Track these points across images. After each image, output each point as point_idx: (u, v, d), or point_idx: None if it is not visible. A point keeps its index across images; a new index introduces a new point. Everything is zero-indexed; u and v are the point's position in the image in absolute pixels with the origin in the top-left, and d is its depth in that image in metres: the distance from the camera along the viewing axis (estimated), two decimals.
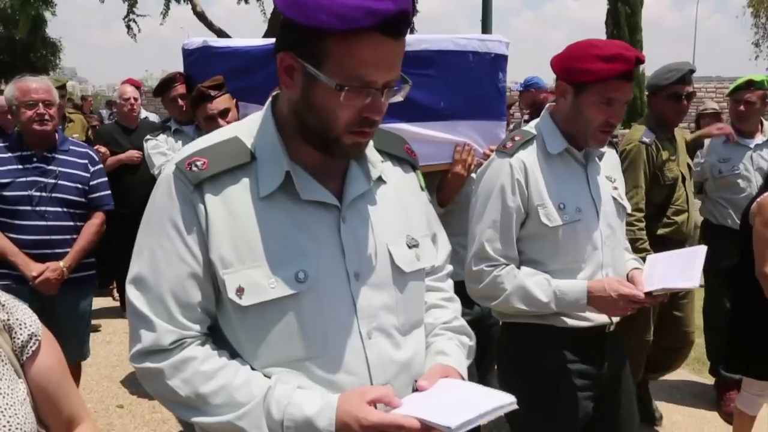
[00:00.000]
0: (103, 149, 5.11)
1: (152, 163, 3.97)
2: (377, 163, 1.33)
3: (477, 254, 2.05)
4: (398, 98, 1.20)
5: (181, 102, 4.01)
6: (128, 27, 15.66)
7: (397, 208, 1.33)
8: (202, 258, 1.19)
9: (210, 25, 11.98)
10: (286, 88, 1.20)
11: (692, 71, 3.44)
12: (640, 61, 1.91)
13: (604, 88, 1.94)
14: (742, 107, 4.07)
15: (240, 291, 1.16)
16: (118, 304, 6.14)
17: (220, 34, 11.85)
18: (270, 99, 1.32)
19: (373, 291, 1.23)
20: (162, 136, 4.06)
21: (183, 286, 1.19)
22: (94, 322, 5.10)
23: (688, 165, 3.83)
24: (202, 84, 3.15)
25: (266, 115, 1.29)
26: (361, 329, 1.21)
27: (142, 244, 1.24)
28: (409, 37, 2.55)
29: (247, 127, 1.29)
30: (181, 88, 4.01)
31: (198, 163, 1.20)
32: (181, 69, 4.09)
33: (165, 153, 3.98)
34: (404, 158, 1.39)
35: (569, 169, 2.09)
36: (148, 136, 4.10)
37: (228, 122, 3.18)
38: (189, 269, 1.19)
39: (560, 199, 2.02)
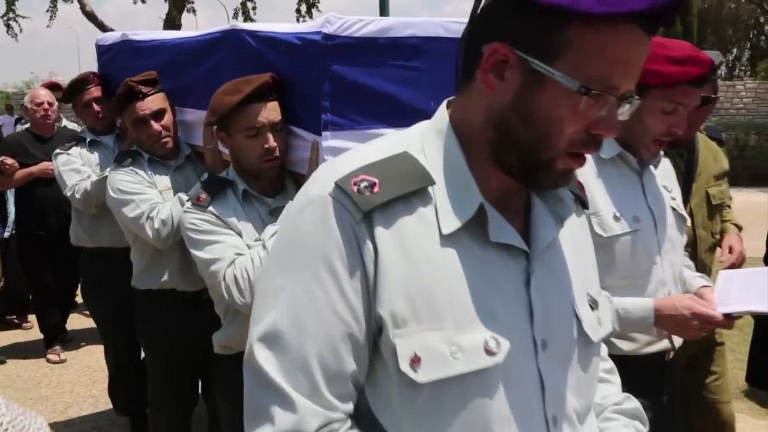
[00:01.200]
0: (9, 161, 4.38)
1: (64, 182, 3.31)
2: (567, 200, 1.04)
3: None
4: (623, 117, 0.91)
5: (96, 107, 3.37)
6: (7, 26, 14.69)
7: (576, 258, 1.06)
8: (363, 313, 0.90)
9: (101, 26, 11.23)
10: (490, 91, 0.89)
11: None
12: (714, 65, 1.72)
13: (671, 93, 1.72)
14: None
15: (415, 361, 0.87)
16: (34, 337, 5.34)
17: None
18: (444, 105, 1.00)
19: (559, 365, 0.98)
20: (75, 150, 3.41)
21: (335, 350, 0.89)
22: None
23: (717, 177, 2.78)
24: (131, 79, 2.55)
25: (443, 125, 0.97)
26: (547, 414, 0.96)
27: (279, 288, 0.91)
28: (392, 20, 2.06)
29: (416, 140, 0.97)
30: (95, 91, 3.38)
31: (366, 184, 0.89)
32: (86, 68, 3.48)
33: (79, 170, 3.34)
34: (577, 194, 1.11)
35: (623, 176, 1.85)
36: (57, 150, 3.44)
37: (164, 126, 2.59)
38: (344, 327, 0.89)
39: (615, 207, 1.79)
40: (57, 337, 4.95)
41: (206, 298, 2.70)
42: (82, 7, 11.15)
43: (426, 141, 0.95)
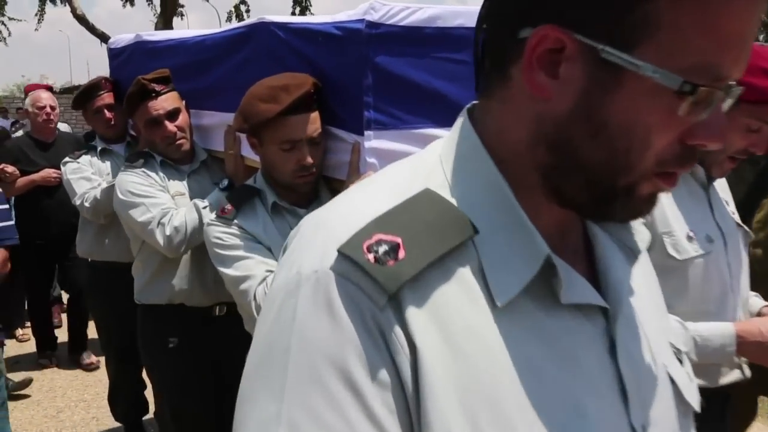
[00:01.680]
0: (10, 168, 4.18)
1: (73, 190, 3.13)
2: (640, 228, 0.77)
3: None
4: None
5: (108, 114, 3.20)
6: None
7: (650, 298, 0.77)
8: None
9: (92, 29, 11.12)
10: (540, 94, 0.61)
11: None
12: None
13: (762, 111, 1.55)
14: None
15: None
16: (31, 349, 5.14)
17: (104, 38, 11.07)
18: (464, 115, 0.69)
19: None
20: (85, 158, 3.22)
21: None
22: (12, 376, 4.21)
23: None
24: (143, 76, 2.37)
25: (471, 145, 0.67)
26: None
27: (271, 417, 0.58)
28: (440, 9, 1.87)
29: (436, 169, 0.67)
30: (107, 97, 3.20)
31: (386, 248, 0.59)
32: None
33: (90, 178, 3.15)
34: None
35: (691, 191, 1.69)
36: (66, 159, 3.25)
37: (179, 127, 2.41)
38: None
39: (688, 226, 1.63)
40: (51, 344, 4.84)
41: (220, 315, 2.53)
42: (73, 11, 11.03)
43: (450, 169, 0.66)
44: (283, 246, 0.69)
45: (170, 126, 2.38)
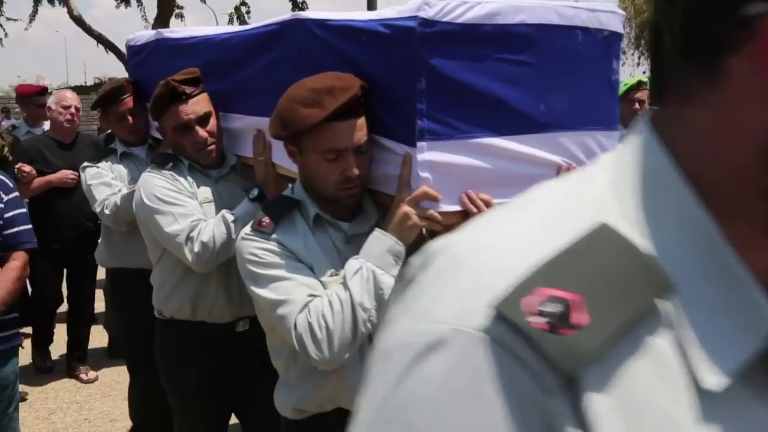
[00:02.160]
0: (27, 168, 3.96)
1: (93, 197, 2.97)
2: None
3: None
4: None
5: (131, 119, 3.03)
6: None
7: None
8: None
9: (89, 30, 11.00)
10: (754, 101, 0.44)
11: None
12: None
13: None
14: (637, 105, 4.18)
15: None
16: (27, 353, 5.01)
17: (100, 39, 10.96)
18: (644, 124, 0.52)
19: None
20: (105, 163, 3.07)
21: None
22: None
23: None
24: (172, 77, 2.20)
25: (658, 165, 0.50)
26: None
27: None
28: (500, 4, 1.68)
29: (607, 196, 0.50)
30: (130, 101, 3.04)
31: (560, 308, 0.43)
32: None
33: (110, 183, 3.00)
34: None
35: None
36: (86, 163, 3.10)
37: (209, 132, 2.25)
38: None
39: None
40: (47, 343, 4.68)
41: (241, 331, 2.37)
42: (70, 12, 10.92)
43: (628, 198, 0.50)
44: (399, 274, 0.52)
45: (201, 131, 2.21)
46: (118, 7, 12.80)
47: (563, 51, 1.69)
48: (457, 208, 1.57)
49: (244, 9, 13.18)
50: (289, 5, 12.13)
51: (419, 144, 1.49)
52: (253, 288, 1.57)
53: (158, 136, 3.02)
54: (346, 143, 1.52)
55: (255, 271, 1.56)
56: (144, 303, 3.07)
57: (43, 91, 5.13)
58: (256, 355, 2.37)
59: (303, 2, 12.33)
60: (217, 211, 2.24)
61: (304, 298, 1.50)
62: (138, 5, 12.83)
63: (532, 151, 1.67)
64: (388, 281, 1.49)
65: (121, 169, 3.07)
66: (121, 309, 3.26)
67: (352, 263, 1.51)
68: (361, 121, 1.54)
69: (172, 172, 2.24)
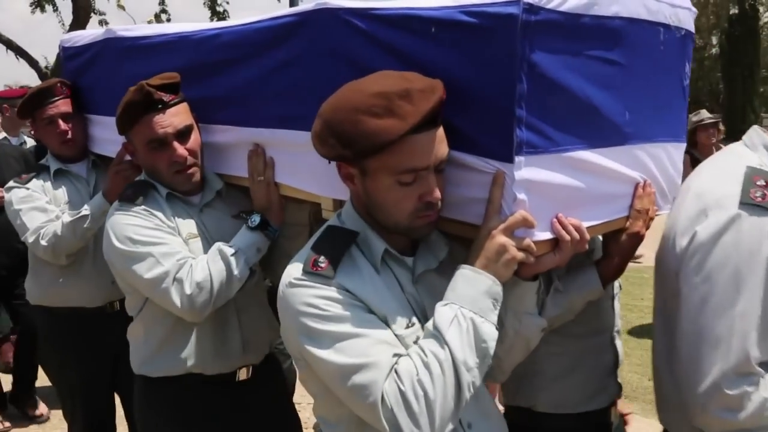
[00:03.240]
0: None
1: (23, 225, 2.48)
2: None
3: (736, 369, 1.29)
4: None
5: (63, 125, 2.57)
6: None
7: None
8: None
9: None
10: None
11: None
12: None
13: None
14: None
15: None
16: None
17: (9, 45, 10.16)
18: None
19: None
20: (36, 182, 2.58)
21: None
22: None
23: None
24: (148, 81, 1.80)
25: None
26: None
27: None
28: None
29: None
30: (63, 105, 2.59)
31: None
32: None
33: (45, 209, 2.52)
34: None
35: None
36: (11, 183, 2.60)
37: (190, 150, 1.86)
38: None
39: None
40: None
41: (243, 380, 2.00)
42: None
43: None
44: None
45: (180, 149, 1.83)
46: (33, 12, 11.88)
47: (648, 50, 1.46)
48: (549, 235, 1.29)
49: (164, 16, 12.54)
50: (208, 12, 11.61)
51: (517, 159, 1.21)
52: (312, 348, 1.21)
53: (103, 152, 2.60)
54: (427, 161, 1.21)
55: (315, 327, 1.21)
56: (82, 346, 2.62)
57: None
58: (261, 408, 2.03)
59: (224, 11, 11.83)
60: (206, 247, 1.86)
61: (389, 359, 1.17)
62: (54, 10, 11.89)
63: (616, 166, 1.43)
64: (490, 331, 1.19)
65: (56, 191, 2.59)
66: (53, 348, 2.75)
67: (444, 311, 1.19)
68: (441, 133, 1.24)
69: (145, 206, 1.84)
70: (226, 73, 1.85)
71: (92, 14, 11.60)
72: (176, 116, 1.83)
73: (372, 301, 1.24)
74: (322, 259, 1.25)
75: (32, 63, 9.71)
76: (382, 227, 1.30)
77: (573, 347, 1.75)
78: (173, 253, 1.77)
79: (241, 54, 1.77)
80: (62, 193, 2.60)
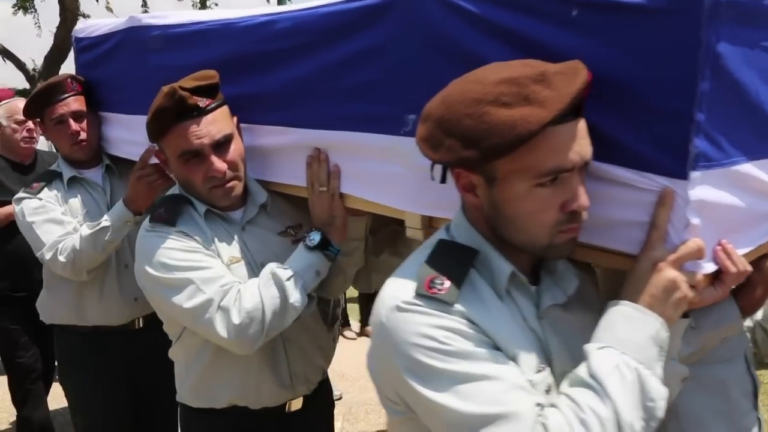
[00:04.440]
0: None
1: (38, 239, 2.21)
2: None
3: None
4: None
5: (75, 125, 2.31)
6: None
7: None
8: None
9: None
10: None
11: None
12: None
13: None
14: None
15: None
16: None
17: None
18: None
19: None
20: (47, 192, 2.31)
21: None
22: None
23: None
24: (181, 83, 1.55)
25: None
26: None
27: None
28: None
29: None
30: (75, 102, 2.32)
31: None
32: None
33: (61, 221, 2.25)
34: None
35: None
36: (21, 193, 2.32)
37: (230, 163, 1.60)
38: None
39: None
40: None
41: (292, 412, 1.76)
42: None
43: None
44: None
45: (218, 162, 1.57)
46: (15, 13, 11.61)
47: None
48: (713, 267, 1.06)
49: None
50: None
51: (692, 175, 0.96)
52: (425, 390, 0.97)
53: (122, 154, 2.34)
54: (573, 159, 0.96)
55: (432, 364, 0.96)
56: (105, 368, 2.37)
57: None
58: None
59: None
60: (251, 272, 1.62)
61: (531, 411, 0.92)
62: (32, 12, 11.64)
63: None
64: (658, 388, 0.95)
65: (72, 201, 2.33)
66: (76, 375, 2.49)
67: (602, 356, 0.95)
68: (585, 126, 0.99)
69: (180, 228, 1.59)
70: (281, 66, 1.59)
71: (79, 16, 11.47)
72: (213, 124, 1.57)
73: (499, 336, 1.00)
74: (440, 280, 1.01)
75: (19, 65, 9.48)
76: (508, 246, 1.05)
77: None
78: (216, 278, 1.52)
79: (303, 43, 1.52)
80: (78, 202, 2.34)
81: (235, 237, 1.65)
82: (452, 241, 1.09)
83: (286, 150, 1.65)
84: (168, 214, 1.59)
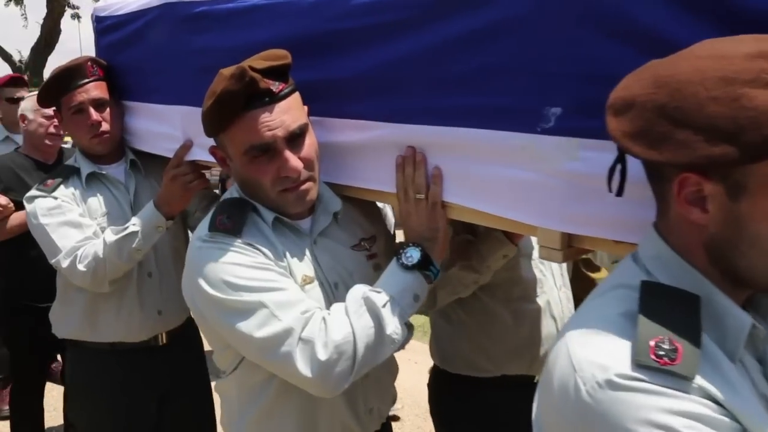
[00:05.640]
0: (3, 200, 2.67)
1: (52, 244, 1.92)
2: None
3: None
4: None
5: (95, 115, 2.02)
6: None
7: None
8: None
9: None
10: None
11: None
12: None
13: None
14: None
15: None
16: None
17: None
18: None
19: None
20: (64, 190, 2.02)
21: None
22: None
23: None
24: (251, 63, 1.27)
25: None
26: None
27: None
28: None
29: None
30: (96, 89, 2.04)
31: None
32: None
33: (79, 223, 1.96)
34: None
35: None
36: (33, 191, 2.03)
37: (305, 160, 1.32)
38: None
39: None
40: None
41: None
42: None
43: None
44: None
45: (293, 159, 1.29)
46: (7, 5, 11.36)
47: None
48: None
49: None
50: None
51: None
52: None
53: (150, 149, 2.06)
54: None
55: None
56: (123, 389, 2.09)
57: (19, 81, 3.57)
58: None
59: None
60: (326, 294, 1.36)
61: None
62: (16, 3, 11.36)
63: None
64: None
65: (92, 200, 2.04)
66: (90, 396, 2.20)
67: None
68: None
69: (245, 238, 1.31)
70: (365, 47, 1.33)
71: (66, 8, 11.20)
72: (288, 113, 1.29)
73: (746, 417, 0.72)
74: (663, 341, 0.74)
75: (6, 57, 9.25)
76: (728, 282, 0.80)
77: None
78: (294, 303, 1.25)
79: (397, 20, 1.25)
80: (97, 202, 2.05)
81: (306, 251, 1.37)
82: (661, 284, 0.81)
83: (368, 148, 1.38)
84: (232, 222, 1.31)
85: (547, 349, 1.74)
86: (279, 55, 1.33)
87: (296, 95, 1.34)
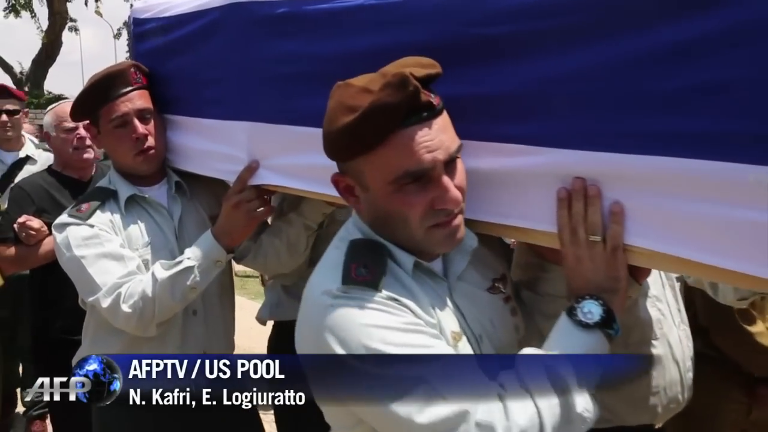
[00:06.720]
0: (36, 224, 2.42)
1: (90, 280, 1.63)
2: None
3: None
4: None
5: (141, 128, 1.75)
6: None
7: None
8: None
9: None
10: None
11: None
12: None
13: None
14: None
15: None
16: None
17: None
18: None
19: None
20: (101, 216, 1.73)
21: None
22: None
23: None
24: (411, 71, 1.02)
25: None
26: None
27: None
28: None
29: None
30: (140, 98, 1.78)
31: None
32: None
33: (120, 256, 1.68)
34: None
35: None
36: (65, 217, 1.74)
37: (461, 190, 1.08)
38: None
39: None
40: None
41: None
42: None
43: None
44: None
45: (453, 190, 1.06)
46: (6, 17, 11.12)
47: None
48: None
49: None
50: None
51: None
52: None
53: (188, 166, 1.79)
54: None
55: None
56: None
57: (4, 92, 3.23)
58: None
59: None
60: (474, 350, 1.13)
61: None
62: (32, 16, 11.20)
63: None
64: None
65: (134, 228, 1.76)
66: None
67: None
68: None
69: (388, 294, 1.06)
70: (520, 58, 1.11)
71: (68, 20, 11.19)
72: (446, 132, 1.06)
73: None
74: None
75: (6, 68, 9.16)
76: None
77: None
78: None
79: (566, 25, 1.03)
80: (138, 230, 1.77)
81: (447, 300, 1.14)
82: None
83: (520, 177, 1.16)
84: (371, 273, 1.06)
85: (670, 398, 1.55)
86: (430, 62, 1.09)
87: (446, 115, 1.11)
